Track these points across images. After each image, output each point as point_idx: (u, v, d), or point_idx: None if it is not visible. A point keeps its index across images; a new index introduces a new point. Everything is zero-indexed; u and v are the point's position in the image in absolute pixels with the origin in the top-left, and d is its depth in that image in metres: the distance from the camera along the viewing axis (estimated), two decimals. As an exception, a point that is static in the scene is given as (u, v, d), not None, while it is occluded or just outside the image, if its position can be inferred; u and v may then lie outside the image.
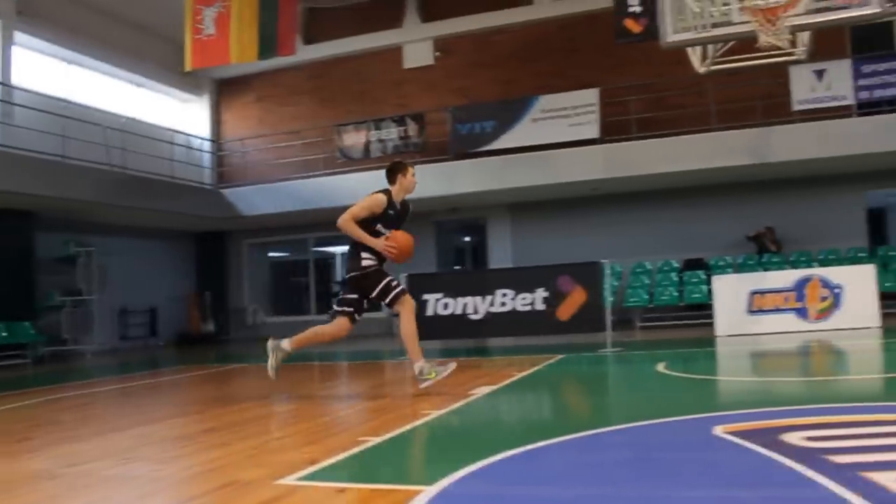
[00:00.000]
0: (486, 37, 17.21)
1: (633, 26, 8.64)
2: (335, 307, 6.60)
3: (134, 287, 17.26)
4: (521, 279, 10.77)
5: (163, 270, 18.54)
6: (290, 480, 3.45)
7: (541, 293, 10.53)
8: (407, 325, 6.24)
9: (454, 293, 10.98)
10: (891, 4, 7.71)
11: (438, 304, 11.06)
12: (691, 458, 3.55)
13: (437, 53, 17.55)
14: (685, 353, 9.60)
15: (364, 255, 6.23)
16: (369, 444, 4.21)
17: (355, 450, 4.09)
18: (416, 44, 17.72)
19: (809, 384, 6.32)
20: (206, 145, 19.35)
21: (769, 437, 3.65)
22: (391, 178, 6.43)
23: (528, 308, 10.61)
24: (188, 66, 13.42)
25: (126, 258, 17.10)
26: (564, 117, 14.61)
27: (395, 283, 6.32)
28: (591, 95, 14.61)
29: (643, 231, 15.48)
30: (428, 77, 17.57)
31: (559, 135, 14.50)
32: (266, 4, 13.21)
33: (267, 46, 13.38)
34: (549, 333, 11.04)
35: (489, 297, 10.80)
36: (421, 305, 11.15)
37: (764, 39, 7.58)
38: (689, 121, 14.39)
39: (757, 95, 13.98)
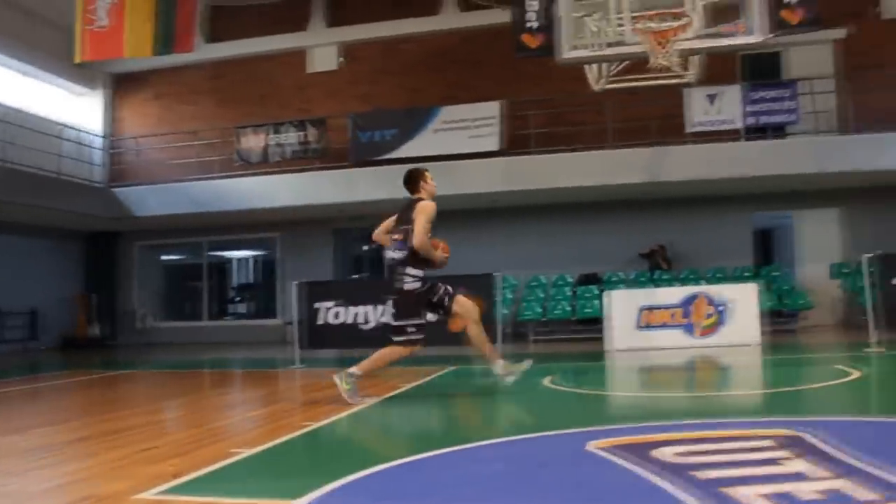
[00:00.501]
0: (392, 44, 17.14)
1: (531, 41, 8.71)
2: (403, 338, 6.21)
3: (12, 287, 16.37)
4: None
5: (47, 271, 17.65)
6: (149, 495, 3.30)
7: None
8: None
9: (347, 302, 10.84)
10: (772, 35, 8.01)
11: (330, 312, 10.90)
12: (560, 473, 3.57)
13: (342, 59, 17.37)
14: (573, 368, 9.72)
15: (415, 271, 6.08)
16: (240, 457, 4.07)
17: (224, 462, 3.94)
18: (321, 48, 17.50)
19: (689, 399, 6.45)
20: (98, 142, 18.60)
21: (640, 453, 3.69)
22: (414, 186, 6.40)
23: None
24: (78, 58, 12.86)
25: (4, 257, 16.25)
26: (466, 129, 14.65)
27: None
28: (492, 108, 14.71)
29: (540, 245, 15.65)
30: (332, 82, 17.36)
31: (460, 146, 14.53)
32: (164, -3, 12.80)
33: (163, 42, 12.94)
34: (441, 345, 10.97)
35: (381, 307, 10.70)
36: (312, 314, 11.00)
37: (655, 61, 7.75)
38: (589, 137, 14.64)
39: (653, 115, 14.33)
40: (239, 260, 21.35)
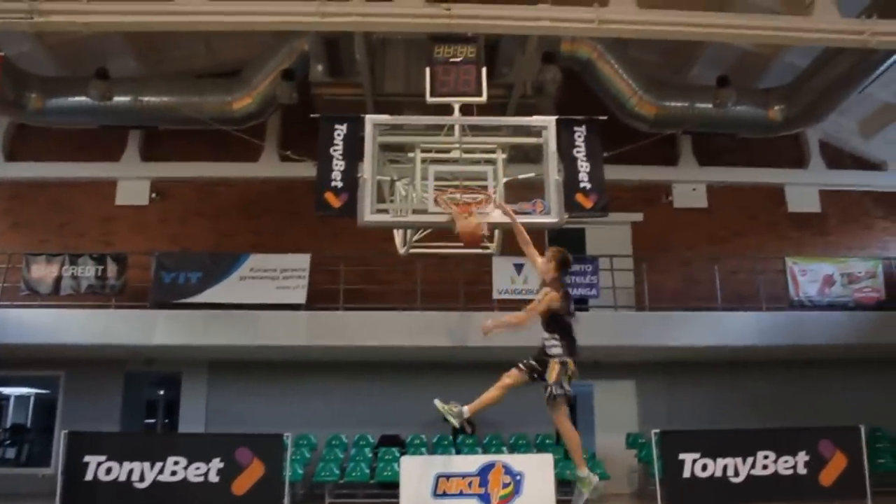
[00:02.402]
0: (207, 186, 16.77)
1: (334, 201, 8.65)
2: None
3: None
4: (195, 447, 10.01)
5: None
6: None
7: (216, 463, 9.82)
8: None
9: (121, 457, 9.94)
10: (567, 216, 8.36)
11: (101, 468, 9.94)
12: None
13: (154, 195, 16.77)
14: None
15: None
16: None
17: None
18: (132, 181, 16.80)
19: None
20: None
21: None
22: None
23: (200, 480, 9.81)
24: None
25: None
26: (273, 279, 14.31)
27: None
28: (303, 260, 14.49)
29: (343, 403, 15.19)
30: (140, 218, 16.63)
31: (266, 296, 14.12)
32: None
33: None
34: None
35: (159, 464, 9.89)
36: (81, 469, 9.97)
37: (463, 230, 7.84)
38: (397, 297, 14.67)
39: (462, 280, 14.59)
40: (17, 397, 19.37)
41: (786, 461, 10.12)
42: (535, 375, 7.05)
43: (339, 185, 8.67)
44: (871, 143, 18.17)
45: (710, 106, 14.75)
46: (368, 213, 8.10)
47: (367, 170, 8.29)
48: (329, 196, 8.66)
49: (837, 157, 18.27)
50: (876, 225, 18.16)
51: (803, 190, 17.95)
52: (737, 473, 10.11)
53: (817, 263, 15.92)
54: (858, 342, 14.77)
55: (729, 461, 10.10)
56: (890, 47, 12.49)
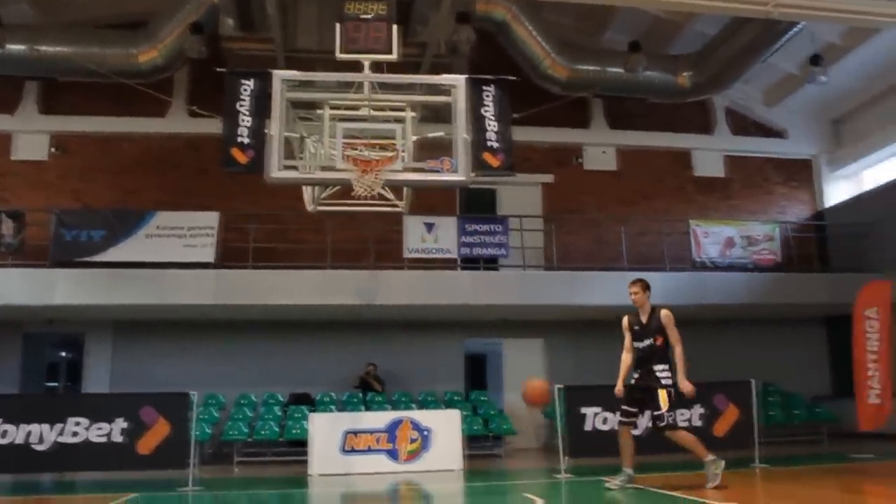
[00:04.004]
0: (112, 141, 16.18)
1: (240, 157, 8.52)
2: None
3: None
4: (98, 407, 9.80)
5: None
6: None
7: (120, 423, 9.64)
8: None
9: (18, 419, 9.65)
10: (474, 175, 8.43)
11: (-7, 431, 9.63)
12: None
13: (54, 150, 16.12)
14: (268, 496, 9.25)
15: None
16: None
17: None
18: (29, 135, 16.08)
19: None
20: None
21: None
22: None
23: (104, 440, 9.62)
24: None
25: None
26: (181, 237, 14.00)
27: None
28: (211, 218, 14.21)
29: (252, 362, 15.09)
30: (39, 173, 15.95)
31: (173, 254, 13.78)
32: None
33: None
34: (128, 469, 10.05)
35: (60, 426, 9.65)
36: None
37: (360, 190, 7.85)
38: (307, 256, 14.57)
39: (372, 239, 14.58)
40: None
41: (682, 414, 10.53)
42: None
43: (247, 141, 8.55)
44: (774, 112, 18.82)
45: (621, 70, 14.99)
46: (275, 170, 8.03)
47: (274, 126, 8.20)
48: (236, 152, 8.53)
49: (742, 125, 18.86)
50: (776, 190, 18.87)
51: (709, 155, 18.50)
52: (636, 426, 10.45)
53: (719, 226, 16.49)
54: (756, 302, 15.41)
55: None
56: (791, 18, 12.95)
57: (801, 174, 19.06)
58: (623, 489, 7.59)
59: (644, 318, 7.86)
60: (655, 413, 7.69)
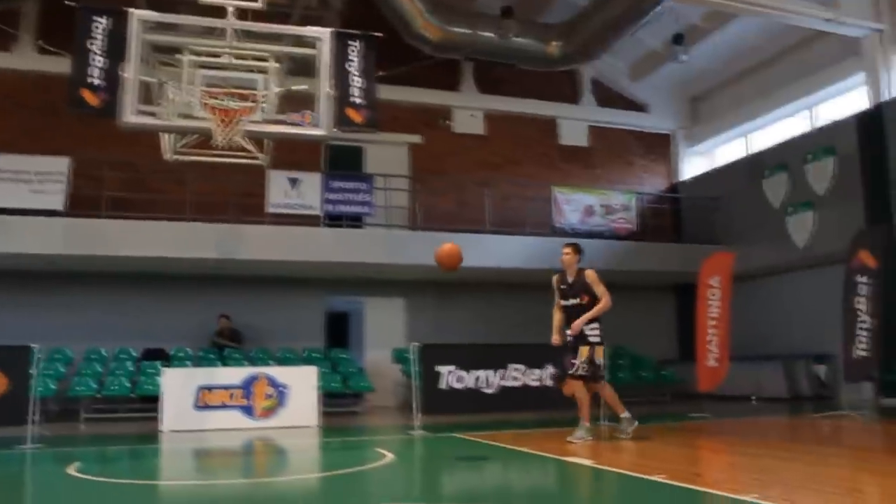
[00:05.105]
0: (-50, 77, 15.07)
1: (91, 99, 8.09)
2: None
3: None
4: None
5: None
6: None
7: (-48, 377, 9.12)
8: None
9: None
10: (336, 130, 8.35)
11: None
12: None
13: None
14: (113, 452, 8.98)
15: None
16: None
17: None
18: None
19: (209, 487, 6.14)
20: None
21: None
22: None
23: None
24: None
25: None
26: (28, 182, 13.21)
27: None
28: (61, 163, 13.44)
29: (104, 315, 14.49)
30: None
31: (19, 201, 12.97)
32: None
33: None
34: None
35: None
36: None
37: (218, 140, 7.64)
38: (166, 207, 14.03)
39: (234, 192, 14.23)
40: None
41: (534, 374, 10.92)
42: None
43: (98, 82, 8.12)
44: (638, 86, 19.51)
45: (493, 35, 15.13)
46: (130, 115, 7.71)
47: (129, 69, 7.86)
48: (86, 93, 8.10)
49: (607, 96, 19.46)
50: (636, 162, 19.63)
51: (574, 124, 19.02)
52: (489, 384, 10.78)
53: (580, 194, 17.03)
54: (612, 268, 15.97)
55: (482, 373, 10.73)
56: (657, -6, 13.41)
57: (659, 148, 19.89)
58: (584, 441, 7.81)
59: (570, 279, 8.19)
60: (571, 361, 8.03)
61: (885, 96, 14.44)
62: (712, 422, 11.10)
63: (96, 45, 8.40)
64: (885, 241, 11.82)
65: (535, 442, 8.07)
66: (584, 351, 7.96)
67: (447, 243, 8.60)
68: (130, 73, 7.76)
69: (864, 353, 11.15)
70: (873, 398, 13.67)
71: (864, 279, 11.26)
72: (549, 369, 11.00)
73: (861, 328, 11.16)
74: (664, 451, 7.42)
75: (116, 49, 8.43)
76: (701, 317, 12.56)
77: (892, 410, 12.14)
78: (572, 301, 8.13)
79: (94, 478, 6.42)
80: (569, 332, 8.10)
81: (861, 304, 11.20)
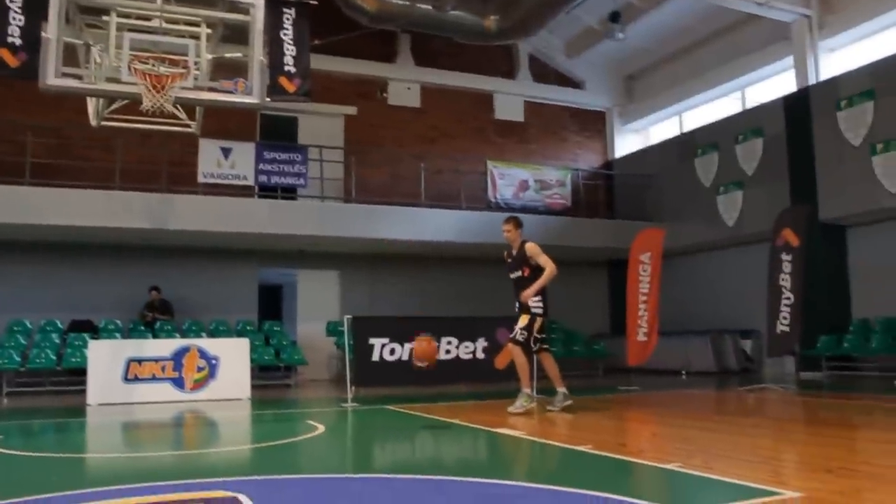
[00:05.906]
0: None
1: (10, 59, 7.80)
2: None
3: None
4: None
5: None
6: None
7: None
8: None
9: None
10: (268, 99, 8.22)
11: None
12: None
13: None
14: (36, 425, 8.76)
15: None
16: None
17: None
18: None
19: (140, 460, 6.06)
20: None
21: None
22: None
23: None
24: None
25: None
26: (-56, 146, 12.75)
27: None
28: (-20, 127, 13.01)
29: (29, 286, 14.08)
30: None
31: (-66, 165, 12.57)
32: None
33: None
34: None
35: None
36: None
37: (147, 105, 7.45)
38: (94, 175, 13.67)
39: (165, 161, 13.93)
40: None
41: (467, 346, 11.00)
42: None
43: (18, 42, 7.82)
44: (574, 63, 19.64)
45: (430, 7, 15.02)
46: (52, 77, 7.40)
47: (51, 28, 7.52)
48: (4, 53, 7.80)
49: (543, 72, 19.55)
50: (571, 138, 19.81)
51: (510, 99, 19.07)
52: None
53: (515, 169, 17.13)
54: (546, 243, 16.06)
55: (415, 345, 10.76)
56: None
57: (595, 125, 20.11)
58: (526, 408, 8.01)
59: (514, 252, 8.29)
60: (513, 327, 8.22)
61: (812, 80, 14.85)
62: (641, 395, 11.35)
63: (15, 2, 8.09)
64: (808, 221, 12.19)
65: (468, 414, 8.16)
66: (524, 318, 8.11)
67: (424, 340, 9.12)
68: (52, 32, 7.45)
69: (786, 329, 11.51)
70: (794, 372, 14.17)
71: (788, 257, 11.60)
72: (481, 342, 11.12)
73: (785, 305, 11.51)
74: (593, 423, 7.58)
75: (37, 7, 8.10)
76: (631, 292, 12.79)
77: (811, 384, 12.60)
78: (516, 274, 8.27)
79: (17, 452, 6.27)
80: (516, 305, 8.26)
81: (785, 280, 11.55)
